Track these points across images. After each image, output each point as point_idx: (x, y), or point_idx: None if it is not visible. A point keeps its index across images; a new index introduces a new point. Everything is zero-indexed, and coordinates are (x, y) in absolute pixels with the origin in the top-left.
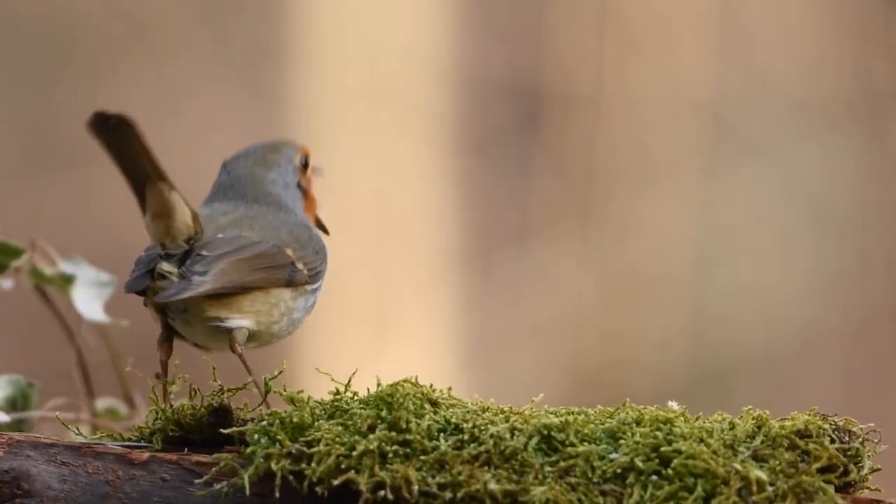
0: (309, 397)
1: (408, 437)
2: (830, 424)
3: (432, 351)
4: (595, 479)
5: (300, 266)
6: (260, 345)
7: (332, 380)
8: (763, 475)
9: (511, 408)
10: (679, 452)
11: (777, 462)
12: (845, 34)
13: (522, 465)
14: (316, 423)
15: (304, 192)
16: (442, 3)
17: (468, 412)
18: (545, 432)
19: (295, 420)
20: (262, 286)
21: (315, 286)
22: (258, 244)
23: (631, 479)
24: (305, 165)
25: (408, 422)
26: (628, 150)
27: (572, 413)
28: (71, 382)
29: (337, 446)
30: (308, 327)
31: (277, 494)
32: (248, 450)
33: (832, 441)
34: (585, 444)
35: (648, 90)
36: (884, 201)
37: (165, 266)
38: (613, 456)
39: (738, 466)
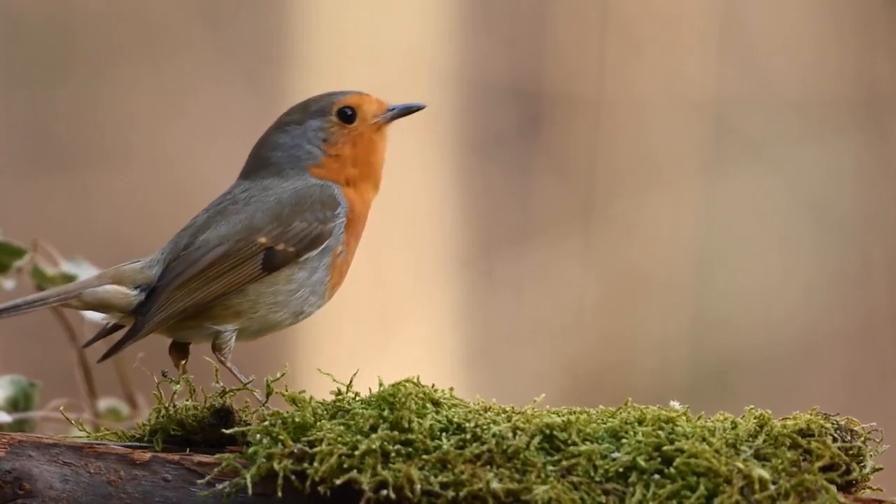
0: (311, 397)
1: (410, 436)
2: (832, 423)
3: (434, 351)
4: (597, 478)
5: (280, 247)
6: (272, 332)
7: (334, 380)
8: (765, 474)
9: (513, 407)
10: (681, 451)
11: (779, 461)
12: (846, 34)
13: (525, 465)
14: (318, 423)
15: (335, 148)
16: (444, 4)
17: (470, 412)
18: (547, 432)
19: (297, 420)
20: (227, 291)
21: (312, 254)
22: (215, 248)
23: (633, 477)
24: (348, 117)
25: (410, 421)
26: (630, 151)
27: (574, 413)
28: (73, 383)
29: (339, 446)
30: (309, 328)
31: (280, 494)
32: (251, 450)
33: (834, 440)
34: (588, 443)
35: (650, 91)
36: (885, 202)
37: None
38: (616, 455)
39: (741, 465)
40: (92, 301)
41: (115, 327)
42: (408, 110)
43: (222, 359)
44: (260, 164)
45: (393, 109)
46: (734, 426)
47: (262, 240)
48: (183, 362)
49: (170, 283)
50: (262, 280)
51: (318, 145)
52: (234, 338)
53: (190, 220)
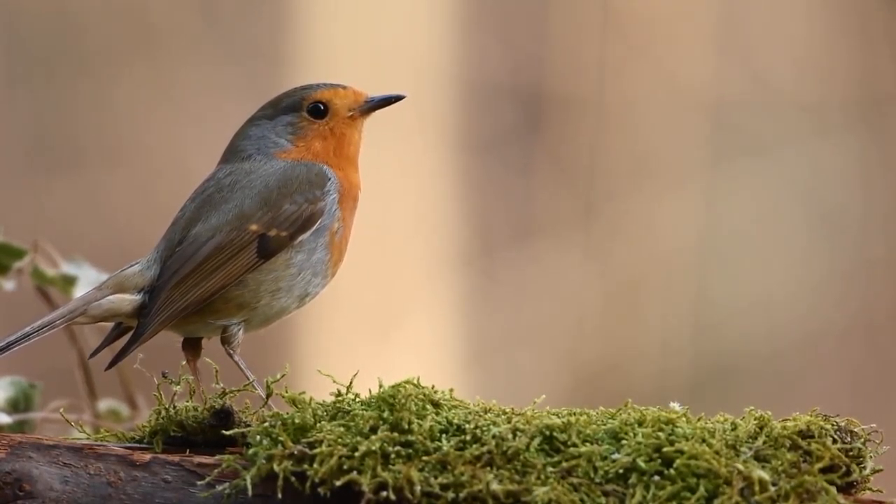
0: (311, 398)
1: (410, 437)
2: (832, 425)
3: (434, 352)
4: (597, 480)
5: (272, 232)
6: (280, 318)
7: (334, 381)
8: (765, 475)
9: (513, 408)
10: (681, 452)
11: (779, 462)
12: (846, 34)
13: (525, 466)
14: (318, 425)
15: (304, 141)
16: (444, 4)
17: (470, 413)
18: (547, 433)
19: (297, 421)
20: (226, 283)
21: (306, 235)
22: (209, 241)
23: (633, 479)
24: (320, 112)
25: (410, 423)
26: (630, 151)
27: (574, 414)
28: (73, 383)
29: (339, 447)
30: (309, 328)
31: (280, 495)
32: (251, 451)
33: (834, 441)
34: (588, 444)
35: (650, 91)
36: (887, 201)
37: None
38: (616, 456)
39: (741, 466)
40: (99, 314)
41: (121, 331)
42: (386, 101)
43: (230, 352)
44: (233, 153)
45: (371, 101)
46: (734, 427)
47: (254, 227)
48: (195, 361)
49: (168, 281)
50: (260, 269)
51: (286, 138)
52: (241, 330)
53: (178, 212)
